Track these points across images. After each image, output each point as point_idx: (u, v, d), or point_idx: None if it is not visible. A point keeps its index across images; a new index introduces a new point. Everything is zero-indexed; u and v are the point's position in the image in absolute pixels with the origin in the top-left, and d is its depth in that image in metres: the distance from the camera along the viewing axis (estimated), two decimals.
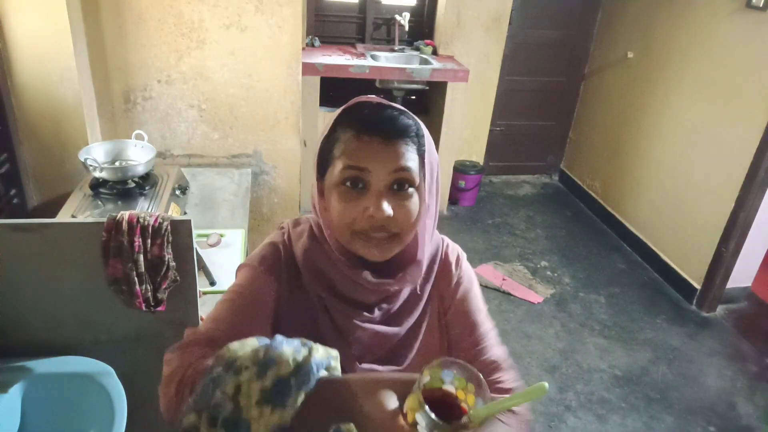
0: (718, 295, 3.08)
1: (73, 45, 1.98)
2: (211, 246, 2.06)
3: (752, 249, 3.00)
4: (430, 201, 0.80)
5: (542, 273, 3.33)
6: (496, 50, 3.98)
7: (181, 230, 1.40)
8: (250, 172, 2.57)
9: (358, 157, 0.74)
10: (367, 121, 0.76)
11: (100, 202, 1.91)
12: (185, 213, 2.11)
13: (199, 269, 1.61)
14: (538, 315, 2.95)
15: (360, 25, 3.87)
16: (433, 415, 0.53)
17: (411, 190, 0.77)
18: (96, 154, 2.00)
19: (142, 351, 1.51)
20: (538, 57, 4.18)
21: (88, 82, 2.18)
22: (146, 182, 2.02)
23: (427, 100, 3.91)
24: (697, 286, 3.12)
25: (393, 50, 3.79)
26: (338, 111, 0.80)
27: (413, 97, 3.88)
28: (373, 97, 0.81)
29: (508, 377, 0.83)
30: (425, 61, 3.66)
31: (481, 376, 0.57)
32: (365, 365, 0.84)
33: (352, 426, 0.63)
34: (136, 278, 1.38)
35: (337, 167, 0.76)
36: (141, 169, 1.99)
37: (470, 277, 0.91)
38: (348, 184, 0.75)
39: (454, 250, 0.93)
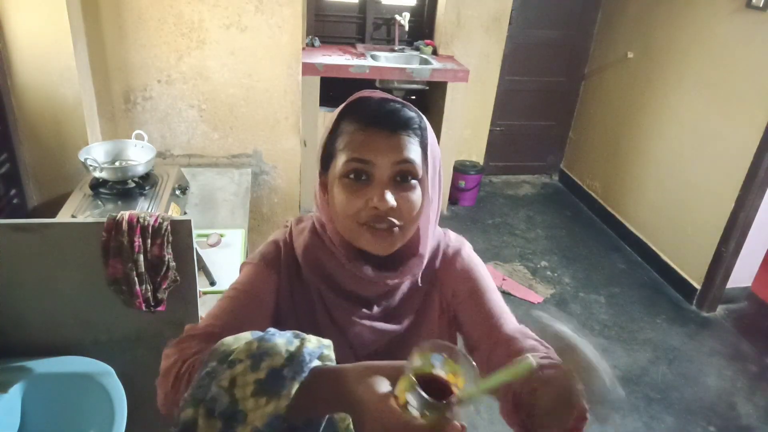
0: (718, 295, 3.08)
1: (73, 45, 1.98)
2: (211, 246, 2.06)
3: (752, 249, 3.00)
4: (432, 194, 0.81)
5: (542, 273, 3.33)
6: (496, 50, 3.98)
7: (181, 230, 1.40)
8: (250, 172, 2.57)
9: (362, 149, 0.75)
10: (369, 114, 0.77)
11: (100, 202, 1.91)
12: (185, 213, 2.11)
13: (199, 269, 1.61)
14: None
15: (360, 25, 3.88)
16: (424, 394, 0.54)
17: (414, 182, 0.77)
18: (96, 154, 2.00)
19: (142, 351, 1.51)
20: (538, 57, 4.17)
21: (88, 82, 2.18)
22: (146, 182, 2.02)
23: (427, 100, 3.91)
24: (697, 286, 3.12)
25: (393, 50, 3.79)
26: (341, 106, 0.81)
27: (413, 97, 3.88)
28: (375, 92, 0.81)
29: (537, 346, 0.81)
30: (425, 61, 3.67)
31: (470, 359, 0.58)
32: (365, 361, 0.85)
33: (345, 416, 0.64)
34: (136, 278, 1.38)
35: (340, 160, 0.77)
36: (141, 169, 1.99)
37: (475, 263, 0.90)
38: (351, 176, 0.76)
39: (456, 241, 0.92)
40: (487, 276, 0.90)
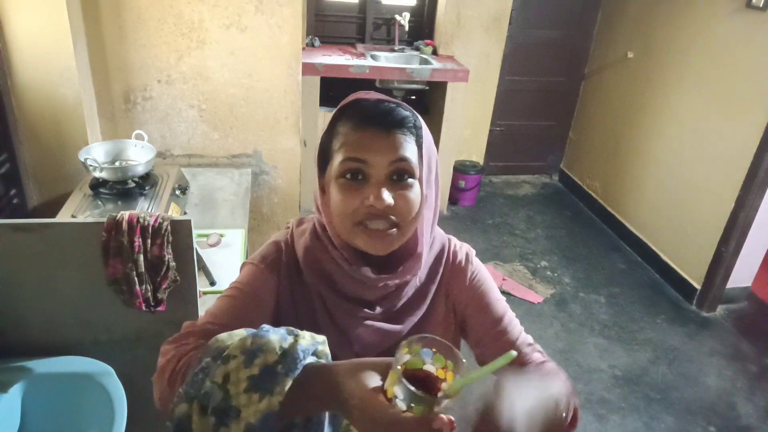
0: (718, 295, 3.08)
1: (73, 45, 1.98)
2: (211, 246, 2.05)
3: (752, 249, 3.00)
4: (429, 193, 0.81)
5: (542, 273, 3.33)
6: (496, 50, 3.98)
7: (181, 230, 1.40)
8: (250, 172, 2.57)
9: (357, 148, 0.75)
10: (365, 114, 0.77)
11: (100, 202, 1.91)
12: (185, 213, 2.11)
13: (199, 269, 1.61)
14: (538, 315, 2.95)
15: (360, 25, 3.88)
16: (411, 387, 0.55)
17: (411, 180, 0.77)
18: (96, 154, 2.00)
19: (142, 351, 1.51)
20: (538, 57, 4.17)
21: (88, 82, 2.18)
22: (146, 182, 2.02)
23: (427, 100, 3.91)
24: (697, 286, 3.12)
25: (393, 50, 3.79)
26: (338, 107, 0.81)
27: (413, 97, 3.88)
28: (371, 93, 0.82)
29: (538, 357, 0.84)
30: (425, 61, 3.67)
31: (459, 353, 0.59)
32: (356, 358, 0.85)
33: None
34: (136, 278, 1.38)
35: (336, 160, 0.77)
36: (141, 169, 1.99)
37: (483, 271, 0.92)
38: (348, 176, 0.76)
39: (463, 247, 0.93)
40: (494, 285, 0.92)
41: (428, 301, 0.88)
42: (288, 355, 0.63)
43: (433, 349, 0.60)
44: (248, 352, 0.63)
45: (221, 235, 2.11)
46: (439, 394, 0.57)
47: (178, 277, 1.43)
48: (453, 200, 4.04)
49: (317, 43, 3.63)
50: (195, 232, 1.46)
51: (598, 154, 4.10)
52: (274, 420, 0.60)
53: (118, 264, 1.36)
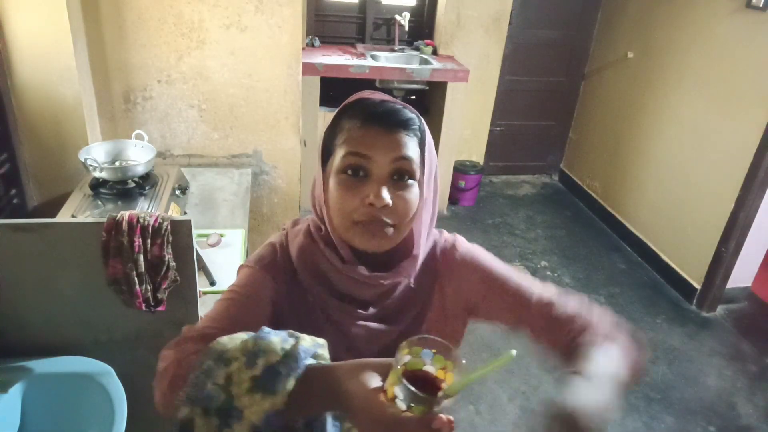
0: (718, 295, 3.08)
1: (73, 45, 1.98)
2: (211, 246, 2.05)
3: (752, 249, 3.00)
4: (428, 196, 0.81)
5: (542, 273, 3.33)
6: (496, 50, 3.98)
7: (181, 230, 1.40)
8: (250, 172, 2.57)
9: (360, 144, 0.75)
10: (369, 111, 0.77)
11: (100, 202, 1.91)
12: (185, 213, 2.11)
13: (199, 269, 1.61)
14: None
15: (360, 25, 3.88)
16: (410, 387, 0.55)
17: (411, 181, 0.77)
18: (96, 154, 2.00)
19: (142, 351, 1.51)
20: (538, 57, 4.17)
21: (88, 82, 2.18)
22: (146, 182, 2.02)
23: (427, 100, 3.91)
24: (697, 286, 3.12)
25: (393, 50, 3.79)
26: (342, 104, 0.81)
27: (413, 97, 3.88)
28: (376, 93, 0.82)
29: (569, 304, 0.85)
30: (425, 61, 3.67)
31: (458, 353, 0.60)
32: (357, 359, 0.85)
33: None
34: (136, 278, 1.38)
35: (338, 155, 0.77)
36: (141, 169, 1.99)
37: (471, 250, 0.91)
38: (349, 172, 0.76)
39: (449, 239, 0.92)
40: (489, 256, 0.91)
41: (422, 301, 0.88)
42: (290, 355, 0.63)
43: (433, 350, 0.61)
44: (250, 354, 0.63)
45: (221, 235, 2.11)
46: (439, 395, 0.58)
47: (178, 277, 1.43)
48: (453, 200, 4.04)
49: (317, 43, 3.63)
50: (195, 232, 1.45)
51: (598, 154, 4.10)
52: (277, 420, 0.60)
53: (118, 264, 1.36)
